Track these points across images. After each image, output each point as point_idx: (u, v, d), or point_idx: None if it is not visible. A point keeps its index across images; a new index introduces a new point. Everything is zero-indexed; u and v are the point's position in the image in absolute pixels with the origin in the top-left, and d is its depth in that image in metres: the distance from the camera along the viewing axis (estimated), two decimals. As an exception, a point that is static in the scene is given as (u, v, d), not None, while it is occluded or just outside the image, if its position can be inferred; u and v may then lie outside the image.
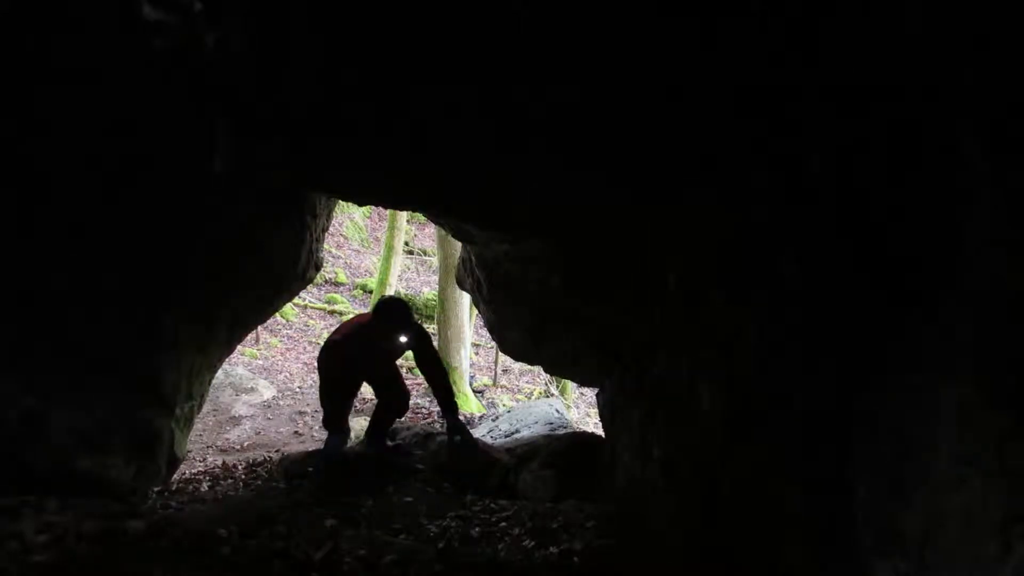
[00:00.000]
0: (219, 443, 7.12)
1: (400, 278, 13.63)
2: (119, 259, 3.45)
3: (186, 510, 3.62)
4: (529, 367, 10.31)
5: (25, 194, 3.04)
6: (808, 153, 2.02)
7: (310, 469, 4.30)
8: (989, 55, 1.45)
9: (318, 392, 4.47)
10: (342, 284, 14.20)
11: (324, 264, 5.72)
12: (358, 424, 7.63)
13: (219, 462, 6.01)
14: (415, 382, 11.00)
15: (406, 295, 14.14)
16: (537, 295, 4.20)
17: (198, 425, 6.29)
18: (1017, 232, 1.43)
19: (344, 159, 3.18)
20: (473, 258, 5.03)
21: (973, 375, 1.48)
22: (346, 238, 15.73)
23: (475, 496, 4.05)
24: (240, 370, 9.09)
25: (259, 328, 8.99)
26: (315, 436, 7.58)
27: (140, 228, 3.49)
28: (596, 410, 4.38)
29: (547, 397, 10.16)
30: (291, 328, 11.90)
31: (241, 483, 4.98)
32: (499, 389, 11.34)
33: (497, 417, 7.25)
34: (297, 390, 9.35)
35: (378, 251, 14.39)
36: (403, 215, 12.53)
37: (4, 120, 2.96)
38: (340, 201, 5.64)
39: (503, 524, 3.55)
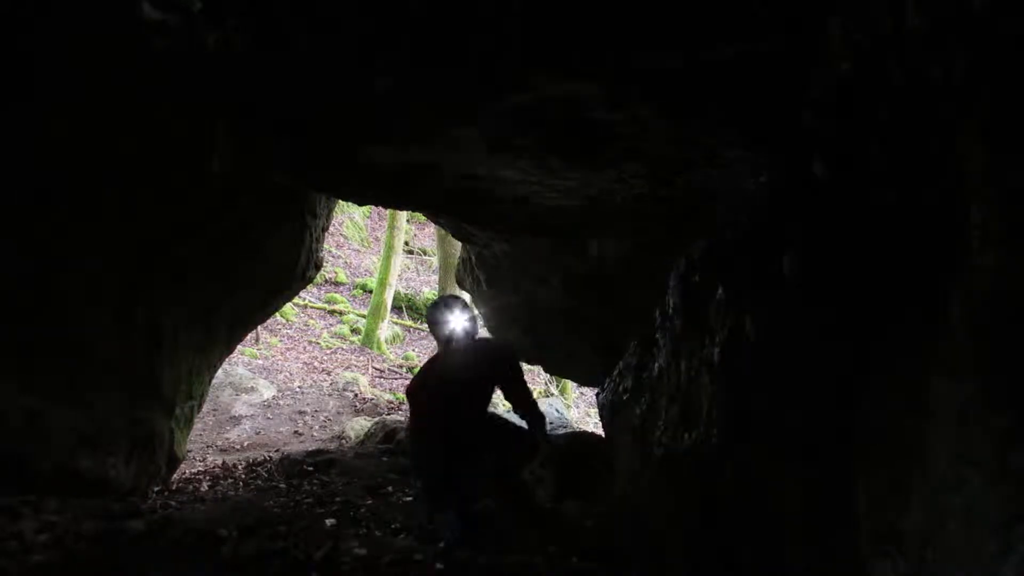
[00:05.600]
0: (219, 443, 7.12)
1: (400, 278, 13.63)
2: (120, 259, 3.45)
3: (186, 510, 3.62)
4: (529, 367, 10.31)
5: (25, 195, 3.04)
6: (808, 152, 2.02)
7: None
8: (989, 53, 1.45)
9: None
10: (342, 284, 14.20)
11: (324, 264, 5.73)
12: (358, 424, 7.64)
13: (219, 462, 6.01)
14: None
15: (406, 295, 14.15)
16: (537, 295, 4.20)
17: (198, 425, 6.29)
18: (1017, 232, 1.43)
19: (344, 159, 3.18)
20: (473, 258, 5.03)
21: (973, 375, 1.48)
22: (346, 238, 15.72)
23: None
24: (240, 370, 9.09)
25: (259, 328, 8.99)
26: (315, 436, 7.58)
27: (140, 228, 3.49)
28: (596, 410, 4.38)
29: (547, 397, 10.16)
30: (291, 328, 11.89)
31: (241, 483, 4.98)
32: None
33: (497, 417, 7.25)
34: (297, 390, 9.35)
35: (378, 251, 14.39)
36: (403, 215, 12.53)
37: (3, 120, 2.96)
38: (340, 201, 5.65)
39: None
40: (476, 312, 3.56)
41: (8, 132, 2.92)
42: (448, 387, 3.27)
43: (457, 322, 3.37)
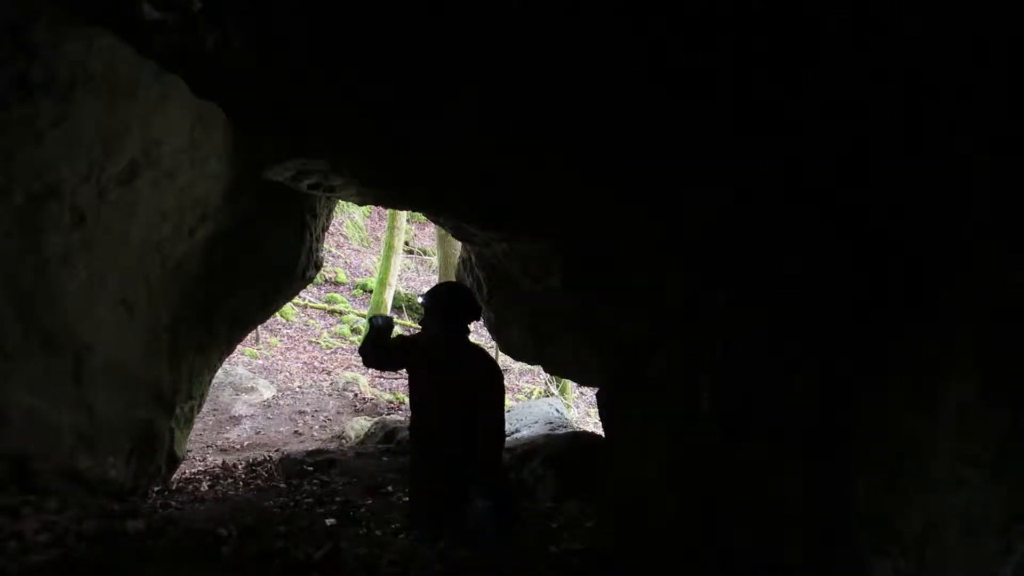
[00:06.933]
0: (219, 443, 7.13)
1: (400, 278, 13.62)
2: (120, 258, 3.45)
3: (186, 510, 3.63)
4: (529, 367, 10.32)
5: (33, 198, 3.04)
6: (808, 153, 2.02)
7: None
8: (988, 55, 1.45)
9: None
10: (342, 284, 14.20)
11: (324, 264, 5.72)
12: (358, 424, 7.64)
13: (219, 462, 6.01)
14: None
15: (406, 295, 14.15)
16: (537, 295, 4.20)
17: (198, 425, 6.29)
18: (1016, 232, 1.43)
19: (344, 159, 3.18)
20: (473, 258, 5.03)
21: (973, 375, 1.48)
22: (346, 238, 15.72)
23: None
24: (240, 370, 9.09)
25: (259, 328, 8.99)
26: (315, 436, 7.58)
27: (140, 228, 3.49)
28: (596, 410, 4.38)
29: (547, 397, 10.16)
30: (291, 328, 11.90)
31: (241, 483, 4.98)
32: (499, 389, 11.32)
33: (497, 417, 7.24)
34: (297, 390, 9.35)
35: (378, 251, 14.38)
36: (403, 215, 12.53)
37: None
38: (340, 201, 5.64)
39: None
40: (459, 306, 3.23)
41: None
42: (441, 387, 3.10)
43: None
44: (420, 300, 3.30)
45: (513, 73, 2.25)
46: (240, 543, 2.83)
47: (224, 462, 5.93)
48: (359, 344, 3.47)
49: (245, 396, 8.47)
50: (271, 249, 4.42)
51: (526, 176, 2.90)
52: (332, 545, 2.94)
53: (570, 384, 10.95)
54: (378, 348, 3.28)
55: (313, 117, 2.78)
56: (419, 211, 5.54)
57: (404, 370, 3.49)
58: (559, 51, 2.14)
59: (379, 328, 3.27)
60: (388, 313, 12.32)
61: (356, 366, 11.00)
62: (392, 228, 12.60)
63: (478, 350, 3.29)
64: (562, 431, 5.67)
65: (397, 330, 13.19)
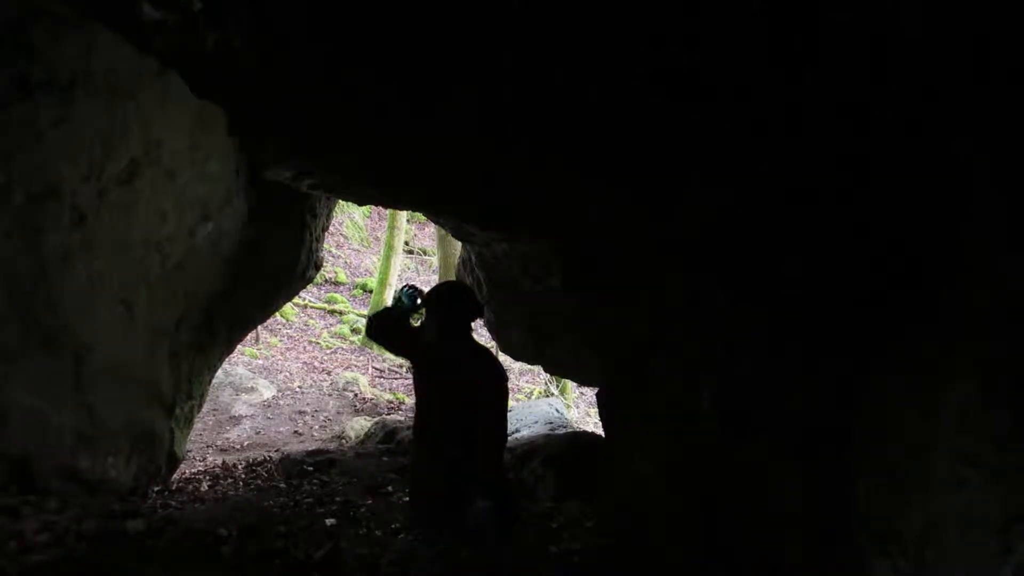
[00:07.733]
0: (219, 443, 7.12)
1: (400, 278, 13.63)
2: (121, 259, 3.45)
3: (186, 510, 3.62)
4: (529, 367, 10.31)
5: (33, 198, 3.04)
6: (808, 153, 2.02)
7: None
8: (989, 56, 1.45)
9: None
10: (342, 284, 14.19)
11: (324, 264, 5.73)
12: (358, 424, 7.64)
13: (219, 462, 6.01)
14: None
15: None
16: (537, 295, 4.20)
17: (198, 425, 6.29)
18: (1016, 232, 1.43)
19: (344, 158, 3.18)
20: (473, 258, 5.04)
21: (973, 375, 1.48)
22: (346, 238, 15.72)
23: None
24: (240, 370, 9.09)
25: (259, 328, 8.98)
26: (315, 436, 7.58)
27: (140, 228, 3.49)
28: (596, 410, 4.38)
29: (547, 397, 10.16)
30: (291, 328, 11.89)
31: (241, 483, 4.98)
32: (499, 389, 11.30)
33: (497, 417, 7.24)
34: (297, 390, 9.35)
35: (378, 251, 14.38)
36: (403, 215, 12.54)
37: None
38: (340, 201, 5.65)
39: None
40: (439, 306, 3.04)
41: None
42: (441, 387, 3.06)
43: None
44: (404, 293, 3.16)
45: (513, 73, 2.25)
46: (240, 543, 2.84)
47: (224, 462, 5.93)
48: (375, 311, 3.29)
49: (245, 396, 8.47)
50: (271, 249, 4.42)
51: (526, 176, 2.90)
52: (332, 545, 2.95)
53: (570, 384, 10.95)
54: (395, 323, 3.14)
55: (313, 117, 2.79)
56: (419, 211, 5.54)
57: (407, 370, 3.45)
58: (559, 51, 2.14)
59: (405, 309, 3.13)
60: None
61: (356, 366, 10.99)
62: (392, 228, 12.61)
63: (480, 350, 3.27)
64: (562, 431, 5.68)
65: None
